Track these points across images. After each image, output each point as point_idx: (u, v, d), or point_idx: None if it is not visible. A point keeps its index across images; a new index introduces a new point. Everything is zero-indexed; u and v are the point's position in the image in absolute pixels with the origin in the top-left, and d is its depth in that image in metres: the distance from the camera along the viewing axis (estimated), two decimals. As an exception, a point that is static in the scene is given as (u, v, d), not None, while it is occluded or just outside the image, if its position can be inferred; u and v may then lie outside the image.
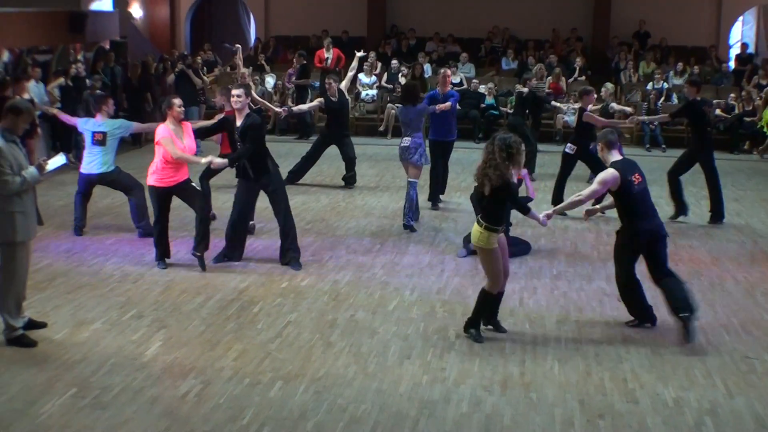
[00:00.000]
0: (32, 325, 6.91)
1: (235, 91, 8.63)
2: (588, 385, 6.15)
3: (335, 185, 13.12)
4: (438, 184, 11.76)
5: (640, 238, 7.01)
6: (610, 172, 6.98)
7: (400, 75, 19.10)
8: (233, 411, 5.63)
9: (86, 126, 9.90)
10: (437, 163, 11.56)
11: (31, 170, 6.62)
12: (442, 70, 12.27)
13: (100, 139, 9.74)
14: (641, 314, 7.27)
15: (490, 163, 6.66)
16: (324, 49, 18.79)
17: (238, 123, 8.62)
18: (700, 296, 8.15)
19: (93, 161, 9.83)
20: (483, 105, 18.32)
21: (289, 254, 8.81)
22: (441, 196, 11.89)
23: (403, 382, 6.13)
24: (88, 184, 9.97)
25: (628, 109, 14.43)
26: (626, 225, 7.09)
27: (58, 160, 7.23)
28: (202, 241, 8.65)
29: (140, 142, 15.93)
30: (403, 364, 6.44)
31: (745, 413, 5.76)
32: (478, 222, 6.82)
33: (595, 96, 12.21)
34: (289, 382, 6.09)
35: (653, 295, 7.27)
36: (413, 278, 8.58)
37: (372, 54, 20.00)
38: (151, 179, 8.64)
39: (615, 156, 7.11)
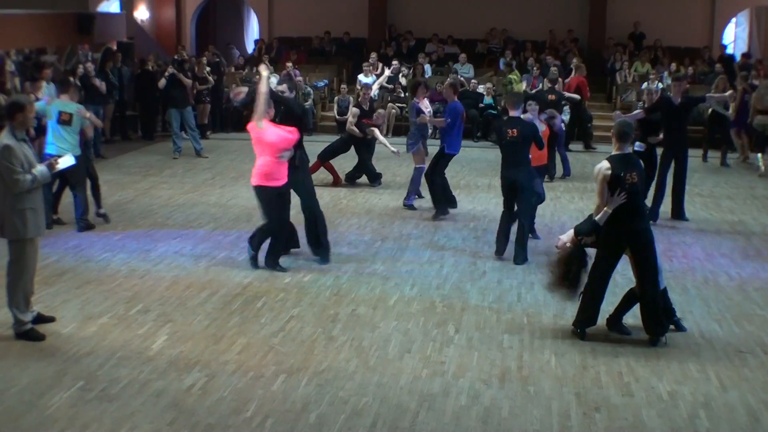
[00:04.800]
0: (41, 319, 6.90)
1: (279, 87, 8.85)
2: (584, 378, 6.14)
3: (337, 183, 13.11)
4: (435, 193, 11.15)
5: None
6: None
7: (400, 75, 19.09)
8: (237, 403, 5.62)
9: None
10: (432, 171, 11.10)
11: (42, 168, 6.61)
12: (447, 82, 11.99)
13: (66, 120, 9.61)
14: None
15: None
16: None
17: None
18: (694, 292, 8.17)
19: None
20: (481, 104, 18.32)
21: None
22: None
23: (403, 375, 6.12)
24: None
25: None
26: None
27: (68, 159, 7.23)
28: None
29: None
30: (404, 358, 6.43)
31: (739, 406, 5.75)
32: None
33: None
34: (291, 375, 6.08)
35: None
36: (413, 274, 8.57)
37: (373, 55, 20.00)
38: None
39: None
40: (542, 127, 9.68)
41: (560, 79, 16.60)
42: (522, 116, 9.26)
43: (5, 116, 6.64)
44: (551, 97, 14.70)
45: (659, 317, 6.77)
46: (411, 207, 11.45)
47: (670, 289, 8.10)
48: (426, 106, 11.63)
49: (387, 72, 15.16)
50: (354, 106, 13.15)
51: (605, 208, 6.65)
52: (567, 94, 14.76)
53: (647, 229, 6.80)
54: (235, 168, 14.43)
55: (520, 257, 8.92)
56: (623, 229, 6.67)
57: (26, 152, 6.55)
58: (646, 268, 6.71)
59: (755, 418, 5.58)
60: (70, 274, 8.35)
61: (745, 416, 5.61)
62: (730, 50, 22.13)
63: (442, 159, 11.10)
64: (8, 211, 6.51)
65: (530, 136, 8.97)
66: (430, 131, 11.93)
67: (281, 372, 6.12)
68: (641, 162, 6.88)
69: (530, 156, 9.12)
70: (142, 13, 22.68)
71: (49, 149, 9.56)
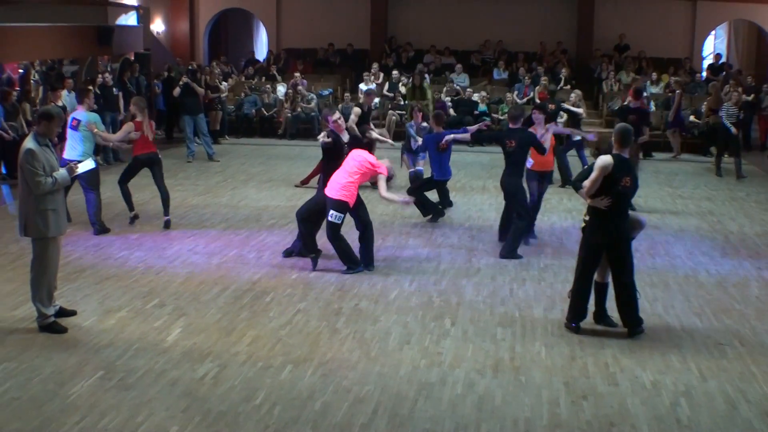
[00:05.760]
0: (63, 313, 6.91)
1: (333, 117, 8.78)
2: (572, 368, 6.14)
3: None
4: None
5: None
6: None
7: (400, 84, 19.09)
8: (247, 392, 5.63)
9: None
10: (413, 190, 11.04)
11: (62, 172, 6.62)
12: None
13: (75, 125, 9.71)
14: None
15: None
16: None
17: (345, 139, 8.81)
18: (675, 287, 8.16)
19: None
20: (476, 112, 18.28)
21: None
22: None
23: (402, 365, 6.12)
24: None
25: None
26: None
27: (88, 163, 7.24)
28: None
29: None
30: (403, 349, 6.43)
31: (717, 395, 5.75)
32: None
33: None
34: (298, 365, 6.08)
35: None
36: (412, 270, 8.56)
37: (374, 65, 20.01)
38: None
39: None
40: (548, 136, 9.62)
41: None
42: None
43: (34, 121, 6.69)
44: (551, 106, 14.71)
45: (635, 310, 6.78)
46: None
47: (653, 285, 8.14)
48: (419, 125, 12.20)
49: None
50: (356, 106, 13.08)
51: (589, 199, 6.63)
52: (565, 106, 14.70)
53: (626, 222, 6.75)
54: (245, 171, 14.44)
55: (506, 250, 9.06)
56: (605, 229, 6.64)
57: (48, 156, 6.56)
58: (624, 263, 6.71)
59: (733, 407, 5.58)
60: (91, 270, 8.35)
61: (723, 404, 5.61)
62: (710, 60, 22.11)
63: (430, 184, 11.02)
64: (31, 211, 6.51)
65: (527, 144, 9.07)
66: (415, 145, 12.01)
67: (288, 362, 6.12)
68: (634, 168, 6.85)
69: (533, 161, 9.45)
70: (158, 26, 22.67)
71: (66, 153, 9.65)
